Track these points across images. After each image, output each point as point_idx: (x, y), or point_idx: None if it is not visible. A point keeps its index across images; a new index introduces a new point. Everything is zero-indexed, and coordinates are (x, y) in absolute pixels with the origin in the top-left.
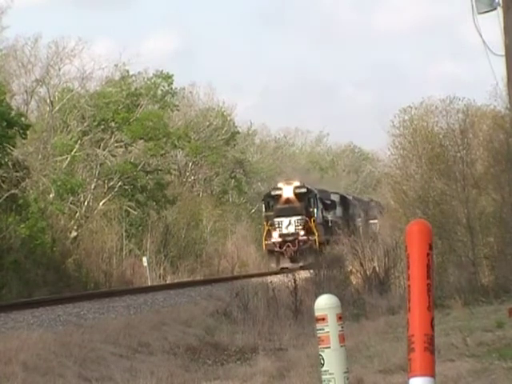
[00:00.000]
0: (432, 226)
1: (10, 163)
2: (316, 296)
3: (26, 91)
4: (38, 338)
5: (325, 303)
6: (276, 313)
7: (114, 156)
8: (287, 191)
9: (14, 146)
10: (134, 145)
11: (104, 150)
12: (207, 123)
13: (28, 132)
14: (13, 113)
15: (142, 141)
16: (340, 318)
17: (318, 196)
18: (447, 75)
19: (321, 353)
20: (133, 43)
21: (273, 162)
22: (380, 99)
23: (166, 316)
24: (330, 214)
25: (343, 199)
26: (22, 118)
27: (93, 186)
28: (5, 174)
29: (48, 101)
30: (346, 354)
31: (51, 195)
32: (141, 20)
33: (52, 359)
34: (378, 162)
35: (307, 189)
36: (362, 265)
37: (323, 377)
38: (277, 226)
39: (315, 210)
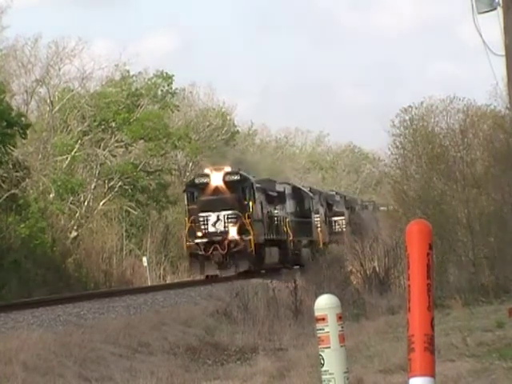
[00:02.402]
0: (432, 226)
1: (10, 163)
2: (316, 296)
3: (26, 91)
4: (37, 338)
5: (325, 303)
6: (276, 313)
7: (114, 156)
8: (216, 179)
9: (14, 146)
10: (135, 145)
11: (104, 150)
12: (207, 123)
13: (28, 132)
14: (13, 113)
15: (142, 141)
16: (340, 318)
17: (255, 186)
18: (447, 75)
19: (321, 353)
20: (133, 43)
21: (273, 162)
22: (380, 99)
23: (165, 316)
24: (275, 208)
25: (296, 191)
26: (22, 118)
27: (93, 186)
28: (5, 174)
29: (48, 101)
30: (345, 354)
31: (51, 195)
32: (140, 20)
33: (52, 359)
34: (378, 161)
35: (241, 176)
36: (362, 265)
37: (323, 377)
38: (202, 222)
39: (251, 202)
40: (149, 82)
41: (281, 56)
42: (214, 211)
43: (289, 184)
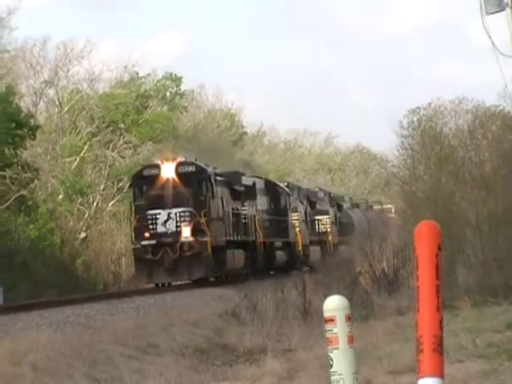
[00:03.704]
0: (441, 227)
1: (19, 164)
2: (325, 297)
3: (34, 92)
4: (47, 339)
5: (334, 304)
6: (285, 314)
7: (123, 157)
8: (167, 171)
9: (23, 148)
10: (143, 146)
11: (113, 151)
12: (215, 124)
13: (37, 133)
14: (22, 114)
15: (150, 142)
16: (349, 319)
17: (216, 178)
18: (456, 76)
19: (330, 354)
20: (141, 45)
21: (281, 163)
22: (388, 100)
23: (174, 317)
24: (243, 205)
25: (270, 186)
26: (31, 120)
27: (102, 187)
28: (14, 175)
29: (57, 102)
30: (354, 355)
31: (60, 196)
32: (149, 21)
33: (61, 360)
34: (386, 162)
35: (197, 167)
36: (370, 265)
37: (332, 378)
38: (150, 221)
39: (209, 198)
40: (157, 84)
41: (289, 57)
42: (164, 208)
43: (261, 178)
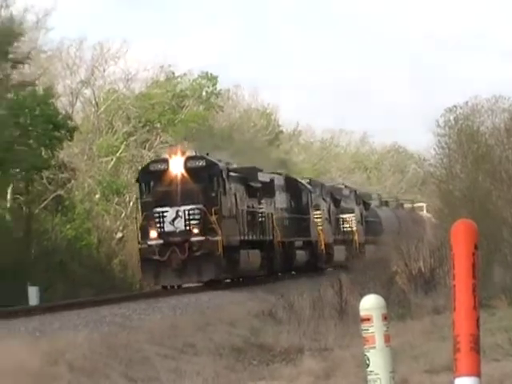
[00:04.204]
0: (477, 226)
1: (56, 165)
2: (361, 296)
3: (71, 92)
4: (83, 339)
5: (370, 303)
6: (321, 313)
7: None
8: (175, 165)
9: (60, 148)
10: (179, 145)
11: (149, 150)
12: (251, 124)
13: (74, 134)
14: (60, 116)
15: (186, 142)
16: (385, 318)
17: (229, 174)
18: (494, 74)
19: (366, 353)
20: (177, 44)
21: (317, 162)
22: (425, 99)
23: (210, 317)
24: (259, 202)
25: (290, 183)
26: (69, 121)
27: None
28: (51, 176)
29: (93, 102)
30: (391, 354)
31: (97, 196)
32: (185, 21)
33: (98, 360)
34: (423, 161)
35: (207, 161)
36: (406, 265)
37: (369, 377)
38: (157, 219)
39: (221, 195)
40: (193, 83)
41: (326, 56)
42: (172, 205)
43: (280, 174)
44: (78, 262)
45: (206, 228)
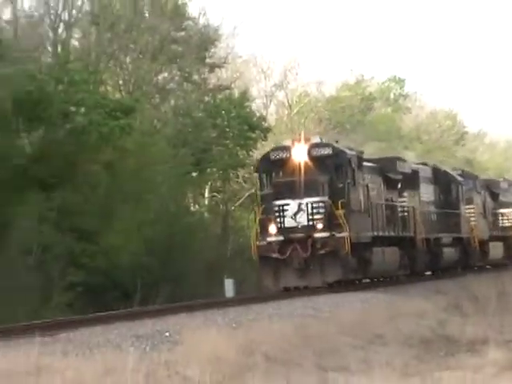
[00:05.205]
0: None
1: (251, 164)
2: None
3: (265, 95)
4: (277, 330)
5: None
6: (506, 305)
7: None
8: (298, 153)
9: (255, 148)
10: (366, 146)
11: None
12: (437, 125)
13: (267, 134)
14: (254, 118)
15: (374, 142)
16: None
17: (360, 163)
18: None
19: None
20: (366, 48)
21: (503, 161)
22: None
23: (397, 309)
24: (400, 195)
25: (438, 174)
26: (263, 122)
27: None
28: (246, 175)
29: (286, 104)
30: None
31: None
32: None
33: (291, 350)
34: None
35: (334, 149)
36: None
37: None
38: (277, 213)
39: (350, 186)
40: (382, 86)
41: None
42: (294, 198)
43: (426, 165)
44: None
45: (331, 223)
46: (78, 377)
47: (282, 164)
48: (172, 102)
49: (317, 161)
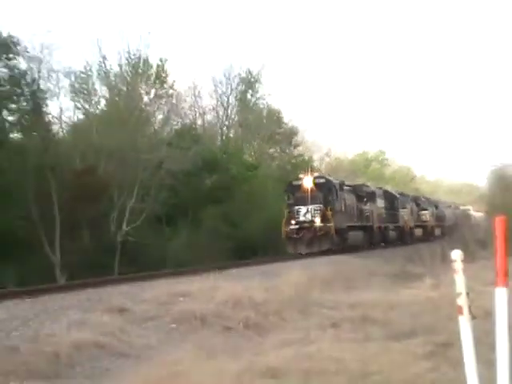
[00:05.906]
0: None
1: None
2: (451, 250)
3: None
4: (324, 270)
5: (456, 253)
6: (433, 259)
7: None
8: (307, 181)
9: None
10: (356, 180)
11: None
12: (396, 174)
13: None
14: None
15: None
16: (462, 261)
17: (341, 187)
18: None
19: (455, 277)
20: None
21: (433, 189)
22: None
23: (375, 269)
24: (365, 204)
25: (386, 193)
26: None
27: None
28: None
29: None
30: (465, 278)
31: None
32: None
33: (331, 278)
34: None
35: (326, 179)
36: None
37: (456, 288)
38: (295, 213)
39: (335, 199)
40: (374, 154)
41: None
42: (304, 205)
43: (380, 188)
44: None
45: (324, 218)
46: (231, 290)
47: (299, 187)
48: (276, 162)
49: (317, 185)
